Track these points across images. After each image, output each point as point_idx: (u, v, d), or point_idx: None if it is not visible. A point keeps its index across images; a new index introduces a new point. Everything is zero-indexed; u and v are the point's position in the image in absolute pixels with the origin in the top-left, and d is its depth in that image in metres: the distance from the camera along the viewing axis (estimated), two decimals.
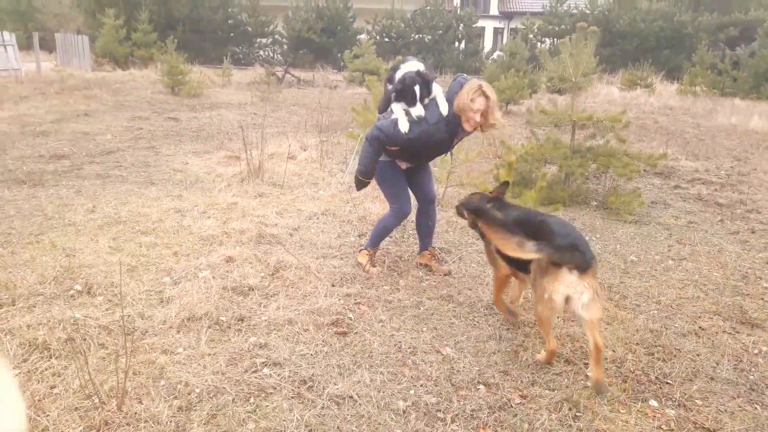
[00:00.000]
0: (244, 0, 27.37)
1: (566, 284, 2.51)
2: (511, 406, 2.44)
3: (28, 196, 5.12)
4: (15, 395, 1.08)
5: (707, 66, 18.09)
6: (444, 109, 3.37)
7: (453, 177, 5.79)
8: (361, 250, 3.96)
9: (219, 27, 26.39)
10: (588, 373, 2.64)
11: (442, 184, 5.63)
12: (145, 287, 3.39)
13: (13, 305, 3.06)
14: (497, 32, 34.95)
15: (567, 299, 2.53)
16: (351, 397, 2.45)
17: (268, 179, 6.01)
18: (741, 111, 13.25)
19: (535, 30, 26.52)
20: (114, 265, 3.62)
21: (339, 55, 25.26)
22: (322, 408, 2.37)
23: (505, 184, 3.37)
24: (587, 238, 4.73)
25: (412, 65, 3.49)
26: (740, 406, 2.52)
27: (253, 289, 3.44)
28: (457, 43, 28.21)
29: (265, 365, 2.65)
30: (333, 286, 3.57)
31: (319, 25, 26.28)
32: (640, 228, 5.11)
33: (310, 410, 2.35)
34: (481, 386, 2.59)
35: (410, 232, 4.69)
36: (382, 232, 3.88)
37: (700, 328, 3.24)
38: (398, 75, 3.47)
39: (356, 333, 3.01)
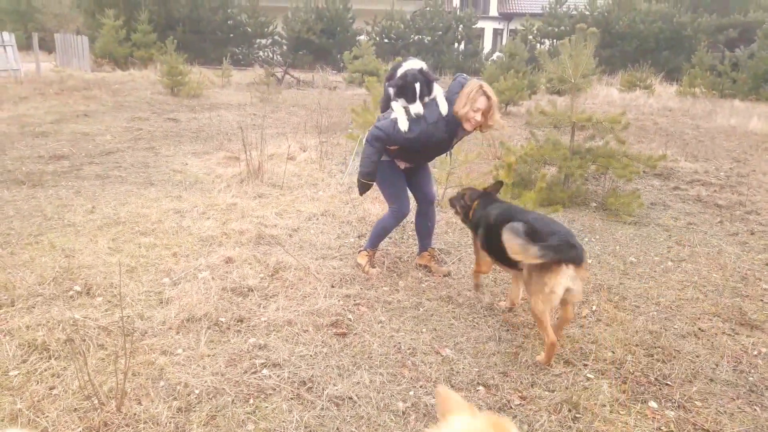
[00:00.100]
0: (243, 1, 27.37)
1: (567, 278, 2.67)
2: (511, 408, 2.44)
3: (27, 197, 5.11)
4: None
5: (706, 67, 18.10)
6: (444, 108, 3.38)
7: (452, 178, 5.79)
8: (360, 251, 3.96)
9: (219, 28, 26.39)
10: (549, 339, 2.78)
11: (441, 185, 5.63)
12: (145, 288, 3.38)
13: (13, 306, 3.05)
14: (497, 33, 34.98)
15: (566, 291, 2.70)
16: (350, 398, 2.45)
17: (267, 180, 6.01)
18: (740, 112, 13.26)
19: (535, 31, 26.53)
20: (113, 266, 3.61)
21: (338, 56, 25.26)
22: (322, 409, 2.37)
23: (499, 183, 3.53)
24: (586, 239, 4.75)
25: (415, 63, 3.49)
26: (740, 408, 2.52)
27: (252, 290, 3.44)
28: (456, 44, 28.21)
29: (265, 366, 2.65)
30: (332, 287, 3.57)
31: (319, 26, 26.29)
32: (640, 229, 5.12)
33: (309, 411, 2.35)
34: (480, 387, 2.59)
35: (410, 233, 4.69)
36: (381, 232, 3.88)
37: (699, 329, 3.24)
38: (400, 72, 3.46)
39: (356, 334, 3.01)
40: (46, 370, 2.51)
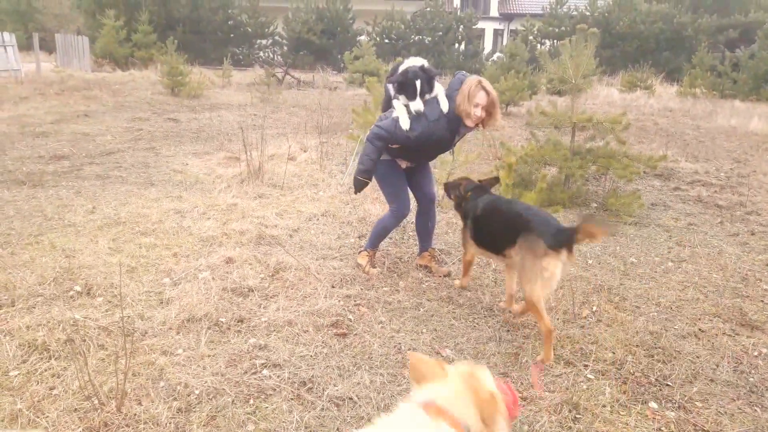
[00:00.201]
0: (244, 1, 27.39)
1: (562, 262, 2.84)
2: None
3: (27, 197, 5.12)
4: None
5: (707, 68, 18.10)
6: (444, 106, 3.38)
7: (453, 178, 5.78)
8: (360, 252, 3.96)
9: (219, 28, 26.39)
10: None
11: (442, 185, 5.62)
12: (145, 288, 3.39)
13: (13, 306, 3.05)
14: (497, 34, 34.99)
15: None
16: (351, 398, 2.45)
17: (267, 180, 6.01)
18: (741, 113, 13.26)
19: (535, 31, 26.53)
20: (114, 266, 3.61)
21: (339, 56, 25.28)
22: (322, 409, 2.37)
23: (495, 179, 3.74)
24: (586, 240, 4.75)
25: (416, 60, 3.48)
26: (740, 408, 2.52)
27: (252, 291, 3.44)
28: (457, 45, 28.22)
29: (265, 366, 2.65)
30: (333, 287, 3.57)
31: (319, 27, 26.30)
32: (640, 230, 5.11)
33: (309, 412, 2.35)
34: None
35: (410, 233, 4.69)
36: (381, 232, 3.88)
37: (699, 330, 3.24)
38: (401, 69, 3.46)
39: (356, 334, 3.01)
40: (46, 371, 2.51)
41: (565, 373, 2.74)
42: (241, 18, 27.11)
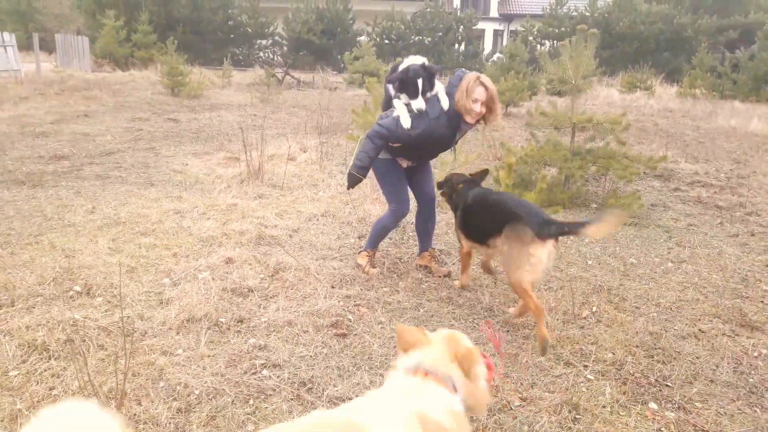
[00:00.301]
0: (244, 1, 27.40)
1: (548, 250, 2.96)
2: (511, 409, 2.44)
3: (27, 197, 5.12)
4: None
5: (707, 68, 18.11)
6: (445, 103, 3.38)
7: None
8: (360, 252, 3.96)
9: (219, 28, 26.42)
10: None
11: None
12: (145, 288, 3.38)
13: (13, 306, 3.05)
14: (497, 34, 34.99)
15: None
16: (351, 398, 2.44)
17: (267, 180, 6.01)
18: (740, 113, 13.26)
19: (535, 32, 26.54)
20: (113, 266, 3.61)
21: (339, 56, 25.30)
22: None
23: (485, 171, 3.83)
24: (586, 240, 4.75)
25: (417, 59, 3.48)
26: (740, 409, 2.52)
27: (252, 291, 3.43)
28: (457, 45, 28.25)
29: (265, 367, 2.65)
30: (332, 287, 3.57)
31: (319, 27, 26.32)
32: (640, 230, 5.11)
33: (309, 412, 2.34)
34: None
35: (410, 233, 4.69)
36: (381, 231, 3.88)
37: (699, 330, 3.24)
38: (401, 68, 3.45)
39: (356, 335, 3.01)
40: (45, 371, 2.51)
41: (564, 373, 2.74)
42: (241, 18, 27.14)
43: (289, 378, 2.57)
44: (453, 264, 4.13)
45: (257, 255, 3.96)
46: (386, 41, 27.03)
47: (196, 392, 2.42)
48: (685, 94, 17.56)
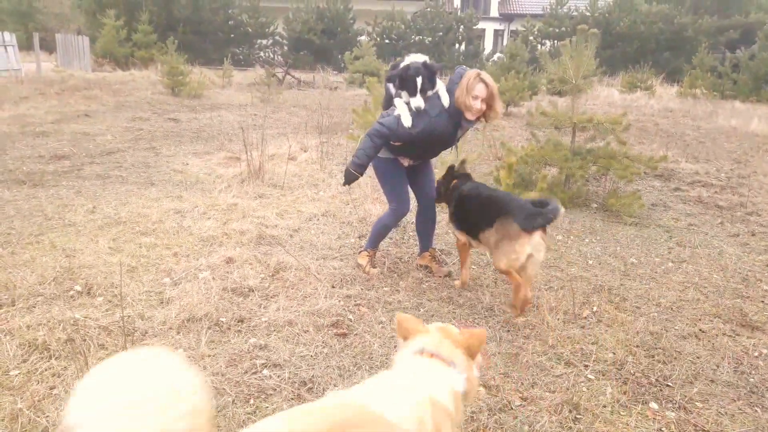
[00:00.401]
0: (244, 1, 27.41)
1: (534, 244, 3.12)
2: (512, 408, 2.44)
3: (28, 197, 5.12)
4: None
5: (707, 68, 18.12)
6: (446, 100, 3.38)
7: None
8: (360, 252, 3.96)
9: (219, 28, 26.43)
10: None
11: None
12: (145, 288, 3.38)
13: (13, 306, 3.05)
14: (497, 34, 34.99)
15: (529, 257, 3.14)
16: None
17: (268, 180, 6.01)
18: (741, 113, 13.26)
19: (536, 32, 26.56)
20: (114, 266, 3.61)
21: (339, 56, 25.31)
22: None
23: (462, 162, 3.93)
24: (587, 240, 4.75)
25: (418, 57, 3.48)
26: (740, 409, 2.51)
27: (253, 291, 3.43)
28: (457, 45, 28.26)
29: (265, 366, 2.65)
30: (333, 287, 3.57)
31: (320, 27, 26.33)
32: (640, 230, 5.11)
33: None
34: (481, 388, 2.58)
35: (410, 233, 4.69)
36: (382, 230, 3.87)
37: (700, 330, 3.24)
38: (403, 65, 3.45)
39: (356, 334, 3.01)
40: (46, 370, 2.51)
41: (565, 373, 2.74)
42: (242, 18, 27.15)
43: (289, 378, 2.57)
44: (453, 264, 4.13)
45: (258, 255, 3.96)
46: (386, 41, 27.04)
47: None
48: (685, 94, 17.57)
